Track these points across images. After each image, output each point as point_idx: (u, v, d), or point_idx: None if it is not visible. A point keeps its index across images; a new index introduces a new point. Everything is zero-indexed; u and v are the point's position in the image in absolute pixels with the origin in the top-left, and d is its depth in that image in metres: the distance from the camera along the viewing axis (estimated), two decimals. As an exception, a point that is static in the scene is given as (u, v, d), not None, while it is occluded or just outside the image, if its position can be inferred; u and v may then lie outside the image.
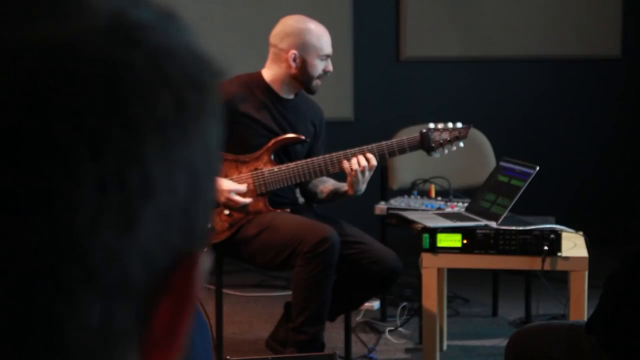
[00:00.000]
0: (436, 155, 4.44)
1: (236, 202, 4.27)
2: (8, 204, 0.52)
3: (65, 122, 0.53)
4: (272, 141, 4.37)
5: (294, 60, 4.33)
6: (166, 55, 0.57)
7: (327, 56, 4.38)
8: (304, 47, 4.33)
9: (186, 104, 0.57)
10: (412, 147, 4.39)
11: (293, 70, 4.35)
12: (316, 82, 4.39)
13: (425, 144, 4.40)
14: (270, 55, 4.41)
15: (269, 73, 4.42)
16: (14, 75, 0.53)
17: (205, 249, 0.60)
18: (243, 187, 4.31)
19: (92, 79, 0.54)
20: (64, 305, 0.53)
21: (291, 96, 4.45)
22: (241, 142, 4.33)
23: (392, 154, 4.39)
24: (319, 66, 4.36)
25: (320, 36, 4.37)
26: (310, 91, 4.43)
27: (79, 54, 0.54)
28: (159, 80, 0.56)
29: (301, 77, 4.36)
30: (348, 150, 4.33)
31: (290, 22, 4.40)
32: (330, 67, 4.40)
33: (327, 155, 4.35)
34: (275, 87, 4.40)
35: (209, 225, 0.60)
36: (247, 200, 4.29)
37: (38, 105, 0.53)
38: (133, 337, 0.56)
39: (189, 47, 0.59)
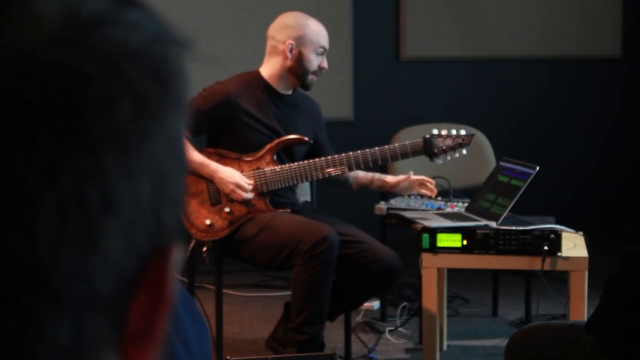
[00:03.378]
0: (439, 161, 4.45)
1: (239, 195, 4.28)
2: None
3: (17, 146, 0.50)
4: (276, 141, 4.38)
5: (290, 51, 4.35)
6: (123, 53, 0.54)
7: (324, 51, 4.38)
8: (301, 39, 4.35)
9: (147, 104, 0.55)
10: (415, 152, 4.40)
11: (289, 62, 4.35)
12: (311, 77, 4.39)
13: (428, 150, 4.41)
14: (268, 49, 4.43)
15: (266, 69, 4.43)
16: None
17: (179, 241, 0.58)
18: (249, 184, 4.31)
19: (43, 95, 0.51)
20: (32, 329, 0.51)
21: (289, 92, 4.46)
22: (242, 141, 4.34)
23: (394, 158, 4.40)
24: (314, 60, 4.37)
25: (317, 30, 4.38)
26: (305, 86, 4.43)
27: (28, 68, 0.51)
28: (117, 85, 0.53)
29: (296, 70, 4.36)
30: (350, 153, 4.34)
31: (289, 16, 4.44)
32: (325, 64, 4.40)
33: (329, 157, 4.36)
34: (273, 83, 4.41)
35: (181, 217, 0.59)
36: (250, 195, 4.30)
37: None
38: (108, 341, 0.55)
39: (147, 37, 0.56)
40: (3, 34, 0.51)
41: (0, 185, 0.50)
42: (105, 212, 0.53)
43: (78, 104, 0.52)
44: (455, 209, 4.54)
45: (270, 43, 4.42)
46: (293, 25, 4.38)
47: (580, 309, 4.01)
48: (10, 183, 0.50)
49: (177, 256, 0.58)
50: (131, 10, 0.56)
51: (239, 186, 4.29)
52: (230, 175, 4.30)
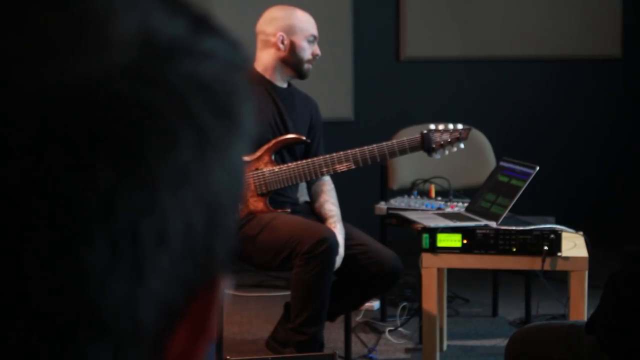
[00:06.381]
0: (437, 156, 4.44)
1: None
2: (13, 267, 0.49)
3: (75, 177, 0.49)
4: (273, 141, 4.37)
5: (282, 42, 4.36)
6: (193, 88, 0.53)
7: (314, 39, 4.39)
8: (290, 29, 4.36)
9: (211, 140, 0.54)
10: (413, 148, 4.39)
11: (282, 53, 4.37)
12: (307, 66, 4.40)
13: (426, 145, 4.41)
14: (258, 45, 4.44)
15: (259, 63, 4.43)
16: (22, 124, 0.49)
17: (227, 273, 0.57)
18: None
19: (106, 127, 0.50)
20: (73, 358, 0.51)
21: (285, 85, 4.46)
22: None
23: (392, 154, 4.40)
24: (307, 49, 4.38)
25: (305, 19, 4.41)
26: (302, 75, 4.42)
27: (93, 98, 0.50)
28: (182, 121, 0.52)
29: (291, 60, 4.37)
30: (349, 151, 4.34)
31: (275, 9, 4.47)
32: (318, 51, 4.41)
33: (327, 156, 4.36)
34: (268, 76, 4.42)
35: (232, 249, 0.58)
36: None
37: (46, 160, 0.49)
38: None
39: (219, 67, 0.55)
40: (74, 59, 0.50)
41: (56, 215, 0.49)
42: (157, 247, 0.52)
43: (140, 139, 0.51)
44: (455, 209, 4.54)
45: (260, 38, 4.43)
46: (281, 17, 4.40)
47: (580, 309, 4.00)
48: (66, 213, 0.49)
49: (225, 288, 0.57)
50: (207, 37, 0.56)
51: None
52: None
